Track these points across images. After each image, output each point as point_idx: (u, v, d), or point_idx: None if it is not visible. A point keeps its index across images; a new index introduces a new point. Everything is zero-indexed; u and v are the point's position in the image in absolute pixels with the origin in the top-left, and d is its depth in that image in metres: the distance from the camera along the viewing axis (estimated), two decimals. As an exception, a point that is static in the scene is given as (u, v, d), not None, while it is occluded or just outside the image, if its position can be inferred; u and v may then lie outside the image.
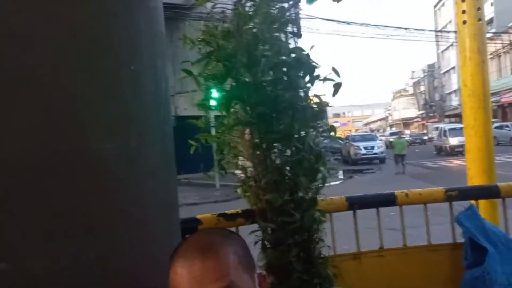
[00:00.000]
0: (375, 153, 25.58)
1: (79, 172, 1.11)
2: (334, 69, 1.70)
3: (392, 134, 48.08)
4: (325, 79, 1.73)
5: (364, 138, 28.02)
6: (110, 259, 1.14)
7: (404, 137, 24.10)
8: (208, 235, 0.93)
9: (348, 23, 19.21)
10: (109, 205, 1.17)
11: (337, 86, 1.70)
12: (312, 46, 1.76)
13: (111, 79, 1.20)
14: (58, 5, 1.10)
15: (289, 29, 1.97)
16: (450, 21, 53.47)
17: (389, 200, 2.02)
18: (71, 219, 1.09)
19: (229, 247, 0.88)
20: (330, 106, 1.81)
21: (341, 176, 19.60)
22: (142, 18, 1.31)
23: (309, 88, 1.77)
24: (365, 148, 25.64)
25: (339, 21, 18.75)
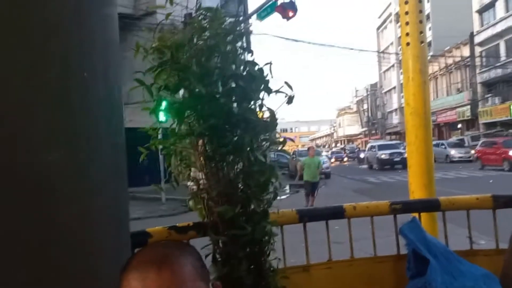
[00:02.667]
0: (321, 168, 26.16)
1: (19, 185, 1.04)
2: (286, 83, 1.74)
3: (332, 153, 49.27)
4: (278, 91, 1.76)
5: (310, 153, 28.56)
6: (44, 282, 1.07)
7: (319, 156, 18.62)
8: (163, 247, 0.91)
9: (296, 40, 19.78)
10: (52, 222, 1.10)
11: (290, 98, 1.74)
12: (269, 63, 1.79)
13: (59, 87, 1.15)
14: (8, 11, 1.05)
15: (240, 44, 1.99)
16: (391, 43, 56.32)
17: (338, 213, 2.07)
18: (8, 236, 1.02)
19: (185, 258, 0.86)
20: (282, 119, 1.84)
21: (288, 191, 19.85)
22: (96, 25, 1.28)
23: (261, 101, 1.80)
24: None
25: (287, 39, 19.24)
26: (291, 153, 30.00)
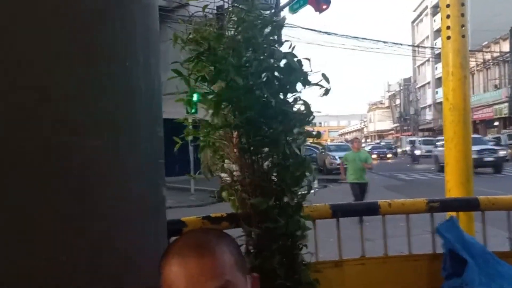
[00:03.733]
0: (350, 164, 25.76)
1: (65, 165, 1.07)
2: (324, 76, 1.71)
3: (374, 148, 40.82)
4: (316, 84, 1.74)
5: (339, 148, 28.28)
6: (94, 258, 1.11)
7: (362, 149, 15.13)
8: (203, 234, 0.91)
9: (328, 33, 19.47)
10: (95, 203, 1.13)
11: (326, 91, 1.72)
12: (308, 58, 1.76)
13: (105, 76, 1.17)
14: (53, 3, 1.07)
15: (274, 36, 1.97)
16: (427, 37, 54.87)
17: (372, 209, 2.04)
18: (56, 218, 1.06)
19: (225, 246, 0.86)
20: (318, 112, 1.81)
21: (316, 185, 19.72)
22: (137, 15, 1.29)
23: (299, 93, 1.78)
24: (340, 158, 25.87)
25: (320, 31, 18.96)
26: (321, 147, 29.70)
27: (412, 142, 31.21)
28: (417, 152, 32.26)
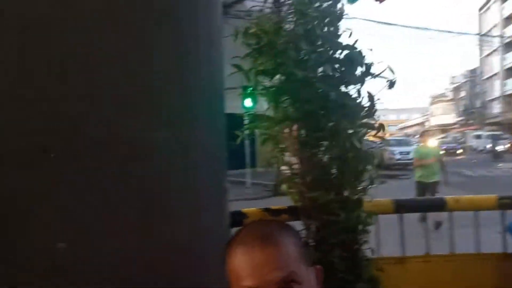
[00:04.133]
0: (411, 159, 24.89)
1: (131, 154, 1.13)
2: (388, 66, 1.66)
3: (444, 143, 33.73)
4: (379, 76, 1.69)
5: (399, 142, 27.36)
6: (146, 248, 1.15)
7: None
8: (267, 225, 0.92)
9: (388, 24, 18.82)
10: (165, 190, 1.18)
11: (391, 83, 1.66)
12: (370, 49, 1.72)
13: (170, 70, 1.21)
14: (120, 11, 1.12)
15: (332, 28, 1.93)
16: (495, 25, 51.66)
17: (438, 205, 1.96)
18: (135, 201, 1.11)
19: (289, 238, 0.87)
20: (381, 103, 1.76)
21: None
22: (201, 11, 1.31)
23: (361, 85, 1.74)
24: (400, 153, 25.05)
25: (379, 22, 18.39)
26: (380, 142, 28.85)
27: (479, 137, 28.13)
28: (499, 148, 27.80)
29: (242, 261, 0.83)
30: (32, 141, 1.03)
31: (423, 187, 7.41)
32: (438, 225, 5.36)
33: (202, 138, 1.31)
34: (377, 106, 1.80)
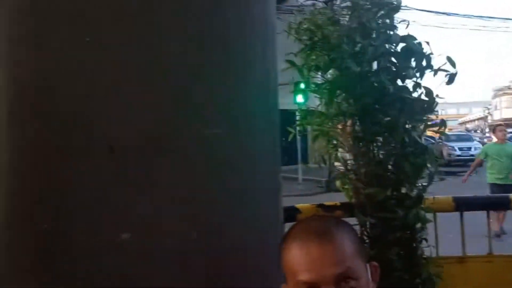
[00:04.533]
0: (472, 155, 23.72)
1: (189, 151, 1.16)
2: (449, 59, 1.60)
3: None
4: (439, 69, 1.63)
5: (459, 138, 26.16)
6: (222, 235, 1.18)
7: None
8: (323, 221, 0.92)
9: (448, 14, 18.02)
10: (226, 186, 1.20)
11: (452, 76, 1.59)
12: (427, 41, 1.66)
13: (221, 67, 1.22)
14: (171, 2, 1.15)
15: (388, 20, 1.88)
16: None
17: (502, 203, 1.86)
18: (196, 199, 1.15)
19: (345, 234, 0.86)
20: (441, 98, 1.70)
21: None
22: (256, 6, 1.32)
23: (420, 78, 1.69)
24: (460, 149, 23.96)
25: (438, 12, 17.64)
26: (437, 138, 27.82)
27: None
28: None
29: (298, 256, 0.83)
30: (100, 139, 1.09)
31: (499, 189, 6.24)
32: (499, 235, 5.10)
33: (258, 135, 1.32)
34: (437, 100, 1.74)
